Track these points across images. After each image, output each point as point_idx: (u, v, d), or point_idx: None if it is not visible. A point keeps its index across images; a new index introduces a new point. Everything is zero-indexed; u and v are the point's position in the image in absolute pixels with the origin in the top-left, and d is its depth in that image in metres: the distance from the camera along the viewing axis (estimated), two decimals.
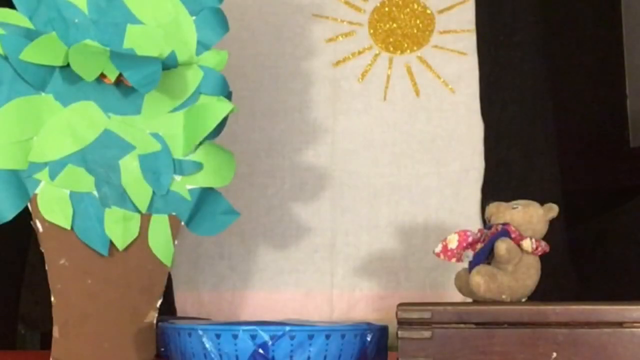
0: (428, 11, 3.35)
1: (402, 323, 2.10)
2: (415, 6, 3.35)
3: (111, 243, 2.40)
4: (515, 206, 2.33)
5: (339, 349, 2.18)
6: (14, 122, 2.34)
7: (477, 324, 2.08)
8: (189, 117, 2.47)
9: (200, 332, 2.16)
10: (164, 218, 2.47)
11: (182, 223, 2.49)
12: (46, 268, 2.39)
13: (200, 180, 2.49)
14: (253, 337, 2.12)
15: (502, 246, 2.24)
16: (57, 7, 2.40)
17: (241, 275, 3.19)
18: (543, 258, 2.32)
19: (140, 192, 2.42)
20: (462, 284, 2.34)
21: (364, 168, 3.24)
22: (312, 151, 3.23)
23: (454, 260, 2.38)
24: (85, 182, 2.39)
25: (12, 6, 2.39)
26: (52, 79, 2.38)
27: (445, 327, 2.08)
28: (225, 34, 2.57)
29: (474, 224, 3.05)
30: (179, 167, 2.47)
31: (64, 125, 2.38)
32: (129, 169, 2.42)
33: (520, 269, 2.26)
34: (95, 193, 2.40)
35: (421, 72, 3.31)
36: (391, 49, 3.33)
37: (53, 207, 2.37)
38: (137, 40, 2.44)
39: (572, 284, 3.21)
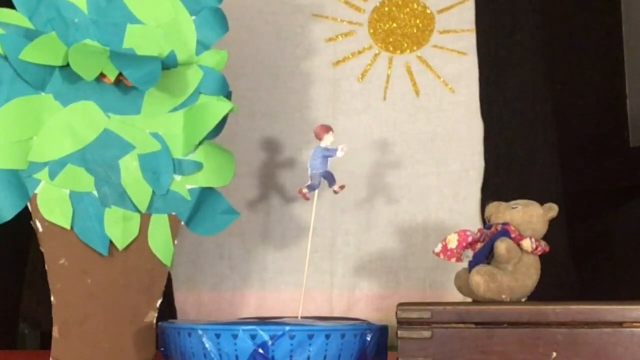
0: (428, 11, 3.35)
1: (402, 323, 2.10)
2: (415, 6, 3.35)
3: (111, 243, 2.40)
4: (515, 206, 2.33)
5: (339, 349, 2.18)
6: (14, 122, 2.34)
7: (477, 324, 2.08)
8: (189, 117, 2.48)
9: (200, 332, 2.16)
10: (164, 218, 2.47)
11: (182, 223, 2.49)
12: (46, 268, 2.39)
13: (200, 180, 2.49)
14: (253, 337, 2.12)
15: (502, 246, 2.24)
16: (57, 7, 2.41)
17: (241, 275, 3.19)
18: (543, 258, 2.32)
19: (140, 192, 2.43)
20: (462, 284, 2.35)
21: (364, 168, 3.24)
22: (312, 151, 3.22)
23: (454, 260, 2.39)
24: (85, 182, 2.39)
25: (12, 6, 2.39)
26: (52, 79, 2.38)
27: (445, 327, 2.08)
28: (225, 34, 2.57)
29: (474, 224, 3.05)
30: (179, 167, 2.47)
31: (64, 125, 2.38)
32: (129, 169, 2.42)
33: (520, 269, 2.27)
34: (95, 193, 2.40)
35: (421, 72, 3.31)
36: (391, 49, 3.33)
37: (53, 207, 2.37)
38: (137, 40, 2.45)
39: (572, 284, 3.21)
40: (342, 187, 2.53)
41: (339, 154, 2.46)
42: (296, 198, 3.22)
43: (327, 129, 2.47)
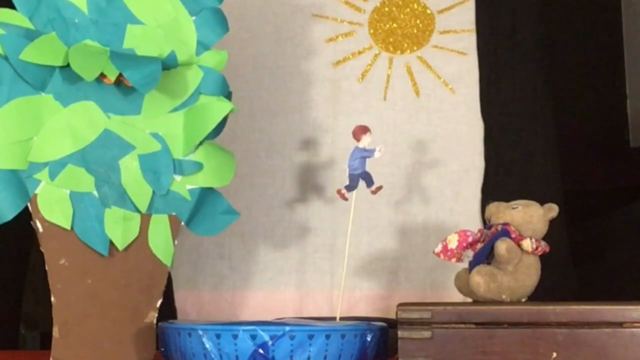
0: (428, 11, 3.35)
1: (402, 323, 2.10)
2: (415, 6, 3.35)
3: (111, 243, 2.40)
4: (515, 206, 2.33)
5: (339, 349, 2.18)
6: (14, 122, 2.34)
7: (477, 324, 2.08)
8: (189, 117, 2.48)
9: (200, 332, 2.16)
10: (164, 218, 2.47)
11: (182, 223, 2.49)
12: (46, 268, 2.39)
13: (200, 180, 2.49)
14: (253, 337, 2.12)
15: (502, 246, 2.24)
16: (57, 7, 2.41)
17: (241, 275, 3.19)
18: (543, 258, 2.32)
19: (140, 192, 2.43)
20: (462, 284, 2.35)
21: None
22: (312, 151, 3.23)
23: (454, 260, 2.39)
24: (85, 182, 2.39)
25: (12, 6, 2.39)
26: (52, 79, 2.38)
27: (445, 327, 2.08)
28: (225, 34, 2.57)
29: (474, 224, 3.05)
30: (179, 167, 2.47)
31: (64, 125, 2.38)
32: (129, 169, 2.42)
33: (520, 269, 2.27)
34: (95, 193, 2.40)
35: (421, 72, 3.31)
36: (391, 49, 3.33)
37: (53, 207, 2.37)
38: (137, 40, 2.45)
39: (572, 284, 3.21)
40: (380, 188, 2.54)
41: (377, 154, 2.48)
42: (296, 198, 3.23)
43: (365, 129, 2.49)
